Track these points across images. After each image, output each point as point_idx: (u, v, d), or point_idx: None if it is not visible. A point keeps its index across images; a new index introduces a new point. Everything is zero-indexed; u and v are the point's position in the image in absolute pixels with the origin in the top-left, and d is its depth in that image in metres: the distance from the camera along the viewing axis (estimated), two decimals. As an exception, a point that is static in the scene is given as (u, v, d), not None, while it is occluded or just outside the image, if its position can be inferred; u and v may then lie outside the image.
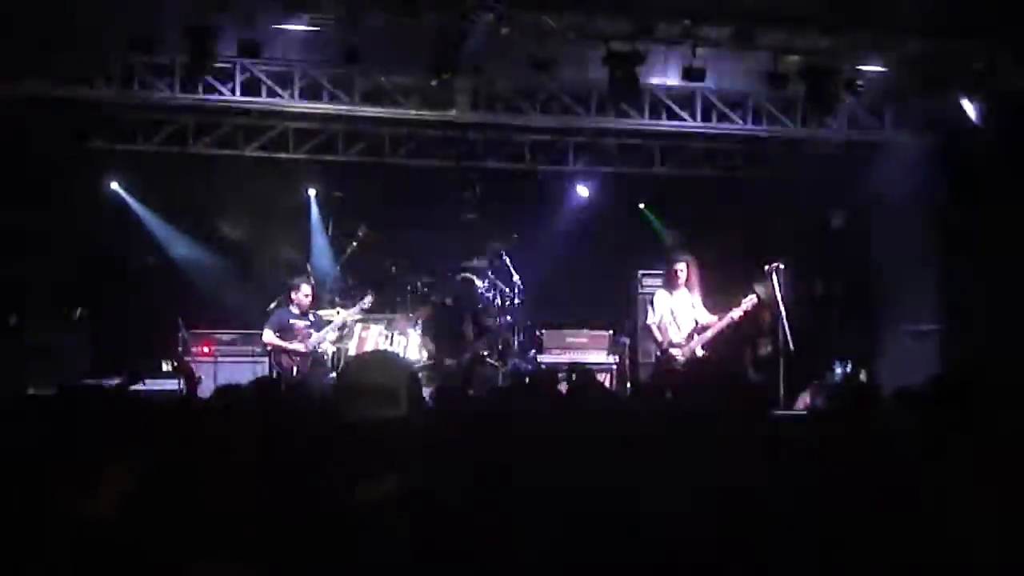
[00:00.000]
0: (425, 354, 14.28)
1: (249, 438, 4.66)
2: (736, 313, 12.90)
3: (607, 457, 3.99)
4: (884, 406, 6.19)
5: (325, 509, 3.57)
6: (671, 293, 13.16)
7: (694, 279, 13.13)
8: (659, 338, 13.12)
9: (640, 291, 16.55)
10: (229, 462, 4.16)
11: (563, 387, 11.37)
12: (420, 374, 13.32)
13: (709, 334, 12.99)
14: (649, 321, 13.27)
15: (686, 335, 12.98)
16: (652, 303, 13.37)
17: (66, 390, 4.89)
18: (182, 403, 8.14)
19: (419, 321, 14.61)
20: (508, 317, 14.39)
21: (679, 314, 13.06)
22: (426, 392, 8.47)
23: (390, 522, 3.36)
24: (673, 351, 12.98)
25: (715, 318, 13.07)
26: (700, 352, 12.96)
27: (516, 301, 14.68)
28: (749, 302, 12.92)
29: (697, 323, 13.02)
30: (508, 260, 14.50)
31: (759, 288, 13.45)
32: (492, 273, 14.66)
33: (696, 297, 13.12)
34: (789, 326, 13.34)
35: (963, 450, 4.43)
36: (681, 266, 13.15)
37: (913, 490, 4.10)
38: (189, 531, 3.54)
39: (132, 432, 3.63)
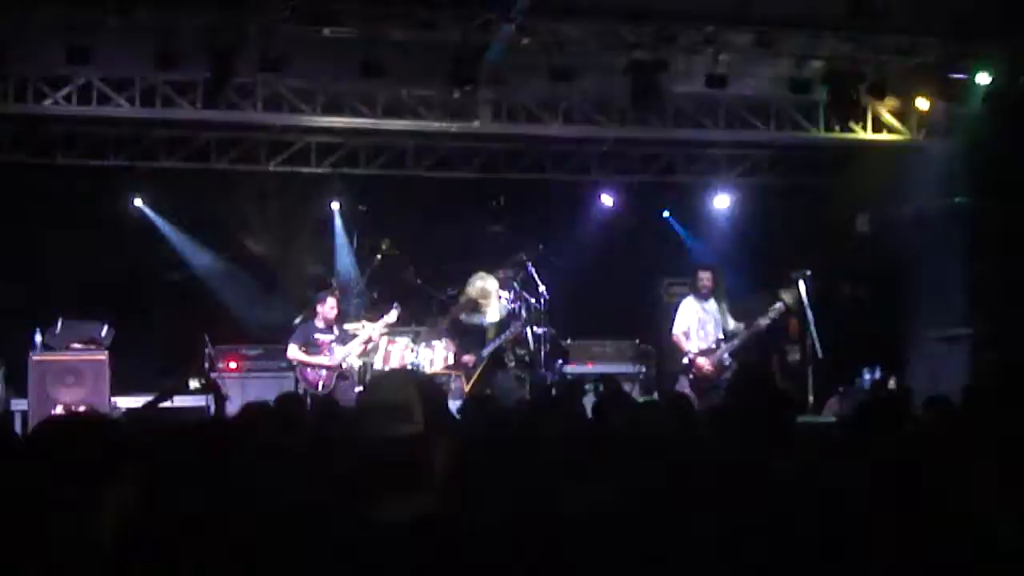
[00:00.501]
0: (450, 356, 14.20)
1: (275, 456, 4.65)
2: (763, 321, 12.90)
3: (634, 480, 3.95)
4: (915, 414, 6.15)
5: (345, 527, 3.55)
6: (697, 301, 13.16)
7: (721, 287, 13.12)
8: (685, 347, 13.10)
9: (666, 300, 16.53)
10: (253, 480, 4.13)
11: (590, 399, 11.37)
12: (445, 383, 13.38)
13: (736, 342, 12.97)
14: (675, 330, 13.25)
15: (713, 343, 12.96)
16: (678, 312, 13.36)
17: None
18: (212, 421, 8.12)
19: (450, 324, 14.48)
20: (535, 327, 14.31)
21: (706, 322, 13.05)
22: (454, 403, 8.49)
23: (406, 543, 3.34)
24: (700, 360, 12.96)
25: (742, 326, 13.06)
26: (728, 361, 12.93)
27: (542, 311, 14.62)
28: (776, 310, 12.91)
29: (724, 331, 13.00)
30: (533, 270, 14.43)
31: (786, 295, 13.41)
32: (517, 284, 14.62)
33: (723, 305, 13.10)
34: (817, 333, 13.27)
35: (992, 458, 4.38)
36: (707, 274, 13.16)
37: (942, 497, 4.05)
38: (211, 549, 3.51)
39: (152, 453, 3.60)
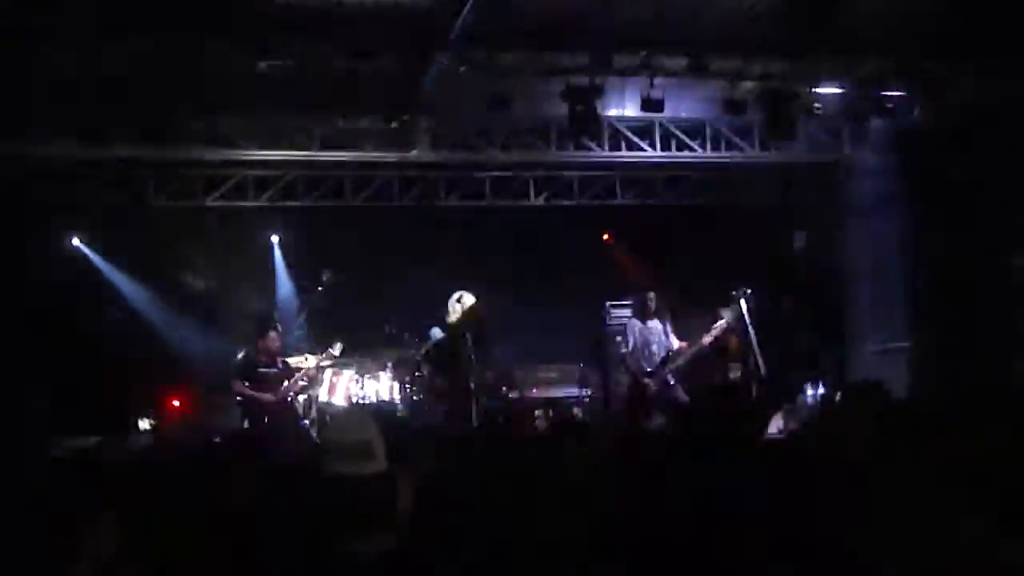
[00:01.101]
0: (397, 394, 14.19)
1: (233, 493, 4.62)
2: (706, 339, 13.04)
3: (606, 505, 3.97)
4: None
5: (310, 566, 3.55)
6: (643, 323, 13.28)
7: (664, 308, 13.26)
8: (632, 368, 13.21)
9: (609, 322, 16.62)
10: (217, 519, 4.12)
11: (540, 423, 11.41)
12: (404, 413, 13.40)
13: (680, 361, 13.09)
14: (623, 351, 13.37)
15: (658, 363, 13.07)
16: (624, 334, 13.48)
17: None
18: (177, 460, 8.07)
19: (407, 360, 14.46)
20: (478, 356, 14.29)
21: (651, 343, 13.17)
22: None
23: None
24: (646, 380, 13.06)
25: (685, 344, 13.18)
26: (672, 380, 13.04)
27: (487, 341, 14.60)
28: (718, 327, 13.03)
29: (668, 351, 13.11)
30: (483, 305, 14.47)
31: (726, 313, 13.50)
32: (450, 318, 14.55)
33: (667, 325, 13.24)
34: (759, 350, 13.36)
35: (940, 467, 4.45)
36: (651, 296, 13.30)
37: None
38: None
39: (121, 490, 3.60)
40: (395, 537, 3.60)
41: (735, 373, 15.60)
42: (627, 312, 16.26)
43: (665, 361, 13.19)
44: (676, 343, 13.31)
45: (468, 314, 13.92)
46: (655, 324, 13.28)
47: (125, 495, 3.98)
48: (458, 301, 13.99)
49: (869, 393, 5.67)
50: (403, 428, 6.09)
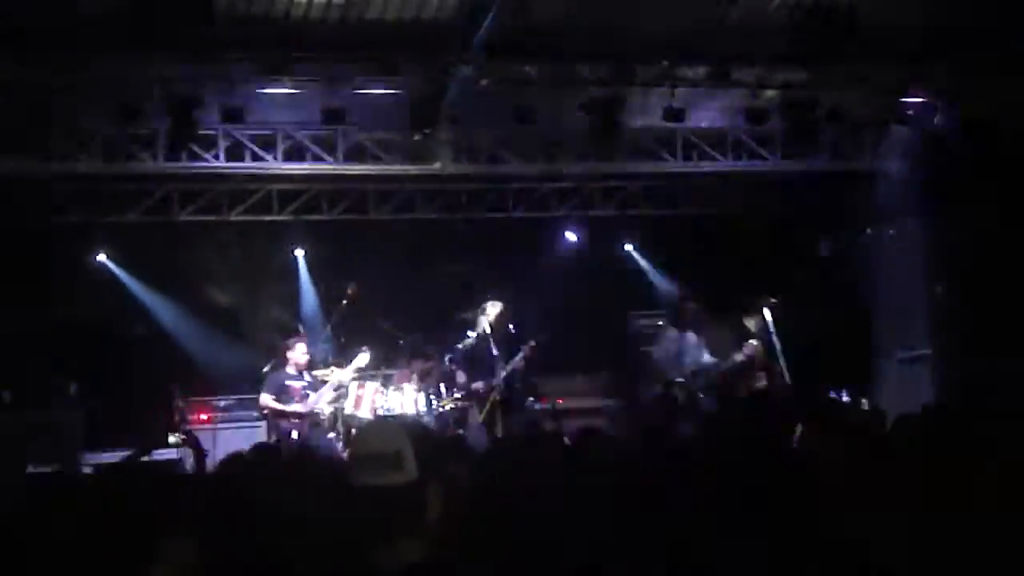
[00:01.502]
0: (422, 404, 14.27)
1: (274, 509, 4.67)
2: (738, 357, 13.03)
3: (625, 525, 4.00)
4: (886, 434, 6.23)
5: (342, 573, 3.58)
6: (679, 331, 13.28)
7: (700, 319, 13.27)
8: (664, 375, 13.21)
9: (633, 331, 16.63)
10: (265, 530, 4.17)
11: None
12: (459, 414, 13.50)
13: (711, 377, 13.12)
14: (655, 356, 13.35)
15: (689, 374, 13.08)
16: (659, 339, 13.47)
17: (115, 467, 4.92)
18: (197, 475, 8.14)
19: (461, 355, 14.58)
20: (502, 367, 14.35)
21: (684, 353, 13.17)
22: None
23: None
24: (675, 390, 13.07)
25: (716, 360, 13.19)
26: (701, 394, 13.05)
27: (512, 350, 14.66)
28: (751, 347, 13.03)
29: (700, 364, 13.12)
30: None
31: (750, 322, 13.52)
32: (481, 325, 14.63)
33: (700, 338, 13.24)
34: (784, 359, 13.36)
35: (964, 475, 4.46)
36: (690, 304, 13.30)
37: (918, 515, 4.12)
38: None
39: (183, 505, 3.65)
40: (424, 547, 3.63)
41: (760, 382, 15.58)
42: (651, 321, 16.35)
43: (695, 374, 13.21)
44: (707, 358, 13.33)
45: (497, 322, 14.06)
46: (689, 335, 13.30)
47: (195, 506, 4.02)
48: (487, 309, 14.12)
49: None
50: (431, 438, 6.09)
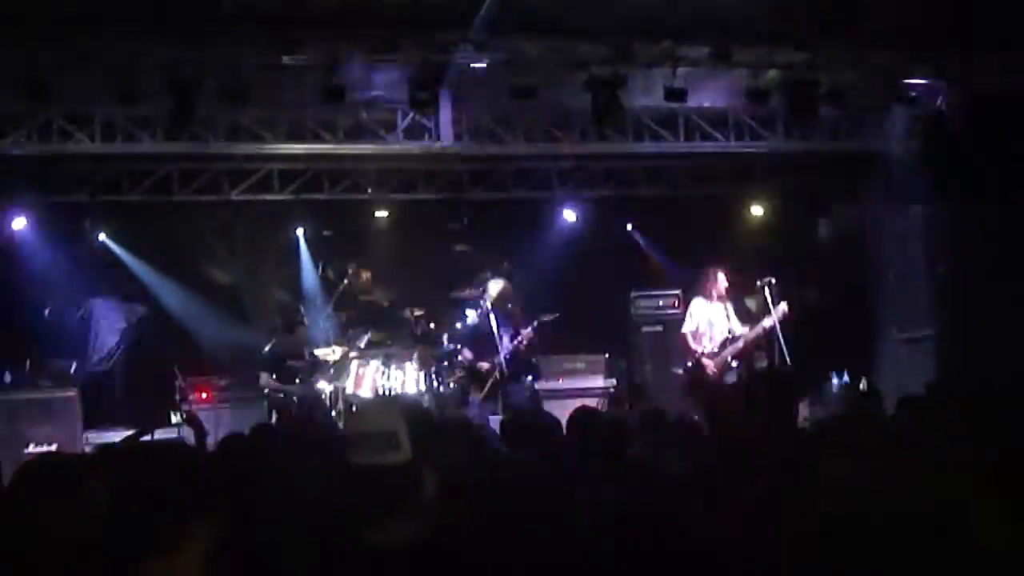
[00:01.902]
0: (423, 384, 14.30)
1: (260, 485, 4.68)
2: (767, 322, 13.03)
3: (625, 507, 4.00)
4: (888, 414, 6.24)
5: (338, 554, 3.59)
6: (708, 302, 13.29)
7: (729, 290, 13.27)
8: (693, 347, 13.22)
9: (635, 312, 16.62)
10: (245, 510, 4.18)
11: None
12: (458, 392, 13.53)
13: (740, 344, 13.13)
14: (685, 329, 13.37)
15: (719, 345, 13.09)
16: (690, 311, 13.47)
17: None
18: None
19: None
20: (505, 344, 14.37)
21: (714, 324, 13.19)
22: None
23: (397, 571, 3.38)
24: (705, 361, 13.10)
25: (747, 328, 13.20)
26: (732, 362, 13.06)
27: (513, 329, 14.67)
28: (780, 311, 13.03)
29: (731, 333, 13.12)
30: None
31: (751, 303, 13.53)
32: (484, 302, 14.68)
33: (729, 307, 13.24)
34: (784, 339, 13.35)
35: (965, 454, 4.47)
36: (719, 274, 13.30)
37: (919, 497, 4.13)
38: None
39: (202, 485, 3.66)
40: (421, 527, 3.64)
41: (761, 362, 15.60)
42: (654, 303, 16.36)
43: (725, 344, 13.22)
44: (739, 327, 13.32)
45: (499, 300, 14.10)
46: (718, 305, 13.30)
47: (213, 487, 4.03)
48: (488, 286, 14.16)
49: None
50: (428, 418, 6.10)
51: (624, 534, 3.83)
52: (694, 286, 13.77)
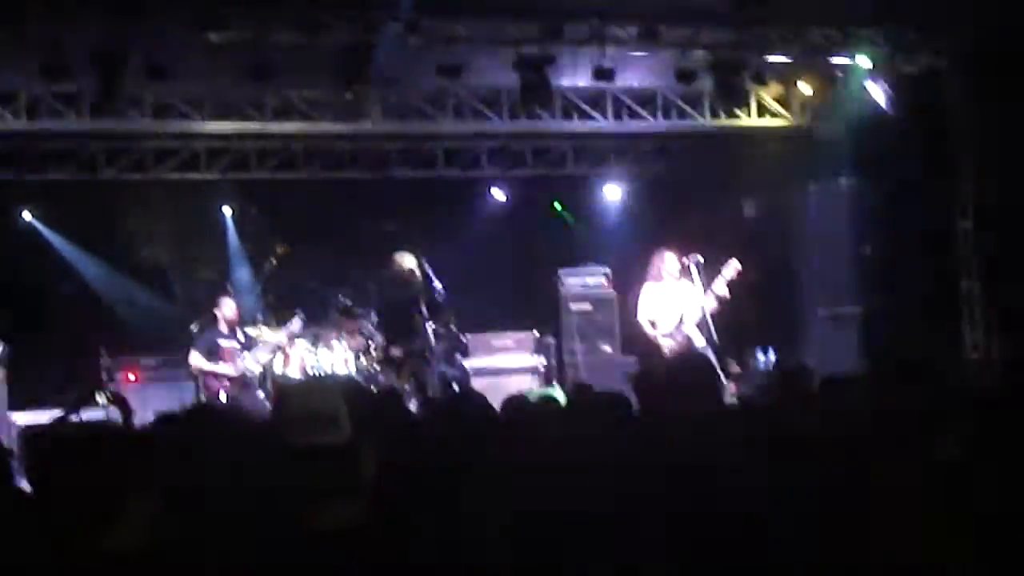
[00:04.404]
0: (353, 364, 14.20)
1: (192, 467, 4.67)
2: (719, 286, 12.95)
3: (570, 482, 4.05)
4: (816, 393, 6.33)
5: (276, 536, 3.60)
6: (656, 284, 13.21)
7: (687, 268, 13.15)
8: (652, 332, 13.13)
9: (563, 290, 16.63)
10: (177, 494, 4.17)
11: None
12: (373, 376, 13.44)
13: (699, 316, 13.00)
14: (640, 317, 13.26)
15: (676, 323, 13.03)
16: (641, 298, 13.35)
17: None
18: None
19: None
20: (431, 323, 14.31)
21: (667, 303, 13.10)
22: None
23: (335, 554, 3.40)
24: (663, 340, 13.02)
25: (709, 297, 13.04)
26: (696, 335, 12.96)
27: (441, 305, 14.63)
28: (731, 269, 12.99)
29: (698, 309, 13.00)
30: (427, 267, 14.44)
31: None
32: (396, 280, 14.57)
33: (690, 283, 13.11)
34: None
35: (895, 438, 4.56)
36: (665, 256, 13.20)
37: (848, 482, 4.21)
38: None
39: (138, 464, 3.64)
40: (360, 508, 3.64)
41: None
42: (580, 280, 16.39)
43: (681, 318, 13.10)
44: (704, 301, 13.06)
45: (410, 275, 13.95)
46: (672, 285, 13.14)
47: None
48: (396, 261, 14.00)
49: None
50: (366, 396, 6.10)
51: (557, 510, 3.88)
52: (642, 274, 13.65)
